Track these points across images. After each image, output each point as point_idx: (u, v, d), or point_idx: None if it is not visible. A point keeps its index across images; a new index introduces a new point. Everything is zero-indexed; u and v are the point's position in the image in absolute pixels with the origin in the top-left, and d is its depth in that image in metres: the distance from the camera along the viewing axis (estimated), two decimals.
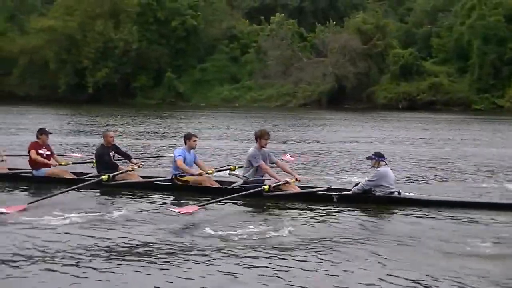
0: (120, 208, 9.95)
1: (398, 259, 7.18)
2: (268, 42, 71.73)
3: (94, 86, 71.56)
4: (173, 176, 11.37)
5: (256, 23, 78.96)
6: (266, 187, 10.39)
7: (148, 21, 73.90)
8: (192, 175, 11.27)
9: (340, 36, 67.50)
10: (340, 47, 65.99)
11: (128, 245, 7.79)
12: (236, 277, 6.53)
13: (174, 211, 9.18)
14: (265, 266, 6.86)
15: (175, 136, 27.53)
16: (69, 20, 72.37)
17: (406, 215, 9.61)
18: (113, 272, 6.65)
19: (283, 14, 75.65)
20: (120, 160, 12.47)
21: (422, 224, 9.01)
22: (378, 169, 10.23)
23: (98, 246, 7.66)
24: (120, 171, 11.66)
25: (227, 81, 74.06)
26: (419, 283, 6.42)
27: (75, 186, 10.81)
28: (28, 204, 9.72)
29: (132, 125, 35.35)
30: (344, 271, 6.77)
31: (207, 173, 11.43)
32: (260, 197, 10.41)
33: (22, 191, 11.57)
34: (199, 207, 9.41)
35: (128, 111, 53.02)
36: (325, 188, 10.75)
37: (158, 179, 11.87)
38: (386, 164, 10.41)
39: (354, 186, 10.40)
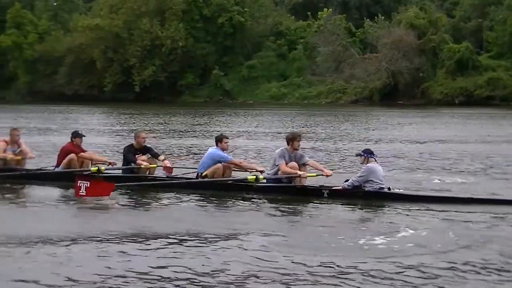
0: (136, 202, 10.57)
1: (382, 252, 7.25)
2: (318, 38, 70.79)
3: (141, 84, 71.45)
4: (199, 174, 11.58)
5: (301, 19, 77.95)
6: (253, 177, 10.70)
7: (194, 18, 73.71)
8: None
9: (393, 31, 66.28)
10: (394, 42, 64.73)
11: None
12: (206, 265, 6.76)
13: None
14: (248, 262, 6.95)
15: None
16: (115, 18, 71.93)
17: (394, 209, 9.81)
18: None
19: (330, 9, 74.64)
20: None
21: (409, 218, 9.12)
22: (367, 165, 10.48)
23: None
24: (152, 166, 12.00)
25: (275, 78, 73.41)
26: (406, 277, 6.42)
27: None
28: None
29: (178, 124, 34.93)
30: (328, 264, 6.82)
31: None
32: (251, 190, 10.82)
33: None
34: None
35: (175, 110, 52.88)
36: (317, 185, 10.97)
37: (183, 176, 12.14)
38: (376, 160, 10.65)
39: (344, 182, 10.60)
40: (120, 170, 12.23)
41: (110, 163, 12.32)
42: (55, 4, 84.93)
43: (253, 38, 75.55)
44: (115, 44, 72.42)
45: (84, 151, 12.47)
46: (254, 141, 23.36)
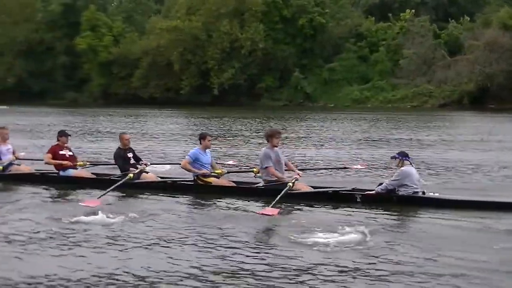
0: (141, 207, 10.28)
1: (422, 261, 7.04)
2: (403, 39, 69.12)
3: (219, 87, 70.71)
4: (195, 177, 11.49)
5: (378, 21, 76.38)
6: (291, 183, 10.49)
7: (274, 19, 73.07)
8: (204, 175, 11.47)
9: (485, 32, 64.17)
10: (488, 44, 62.65)
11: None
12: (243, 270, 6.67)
13: (258, 213, 9.49)
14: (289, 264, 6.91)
15: (303, 140, 25.41)
16: (193, 20, 71.55)
17: (430, 215, 9.51)
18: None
19: (413, 10, 72.94)
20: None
21: (446, 225, 8.84)
22: (402, 168, 10.28)
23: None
24: (139, 170, 11.96)
25: (356, 81, 72.15)
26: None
27: (115, 185, 11.10)
28: (98, 198, 10.43)
29: (256, 128, 33.42)
30: (366, 271, 6.70)
31: (215, 172, 11.61)
32: (283, 196, 10.38)
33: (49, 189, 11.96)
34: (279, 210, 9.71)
35: (253, 113, 51.96)
36: (349, 188, 10.83)
37: (180, 179, 12.11)
38: (411, 163, 10.45)
39: (377, 186, 10.45)
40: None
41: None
42: (129, 6, 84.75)
43: (333, 40, 74.23)
44: (193, 46, 72.12)
45: (70, 150, 12.82)
46: (336, 149, 21.58)
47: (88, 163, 13.17)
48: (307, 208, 10.21)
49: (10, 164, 12.96)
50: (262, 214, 9.33)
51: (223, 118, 43.30)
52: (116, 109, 61.24)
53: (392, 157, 10.80)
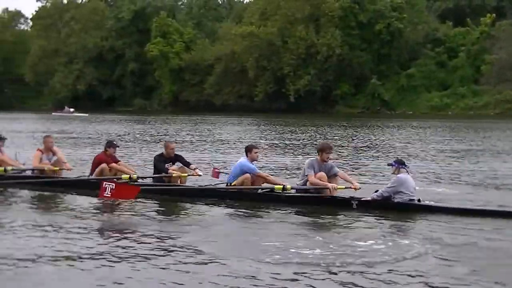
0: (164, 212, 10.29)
1: (412, 266, 6.95)
2: (486, 44, 67.51)
3: (295, 94, 70.07)
4: (228, 184, 11.48)
5: (453, 25, 74.87)
6: (280, 186, 10.66)
7: (350, 25, 72.44)
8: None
9: None
10: None
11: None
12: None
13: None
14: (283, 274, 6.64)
15: (380, 149, 23.50)
16: (268, 25, 71.18)
17: (425, 222, 9.46)
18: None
19: (494, 15, 71.25)
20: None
21: (441, 232, 8.72)
22: (398, 175, 10.31)
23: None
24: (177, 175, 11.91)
25: (435, 88, 70.92)
26: None
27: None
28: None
29: (331, 136, 31.65)
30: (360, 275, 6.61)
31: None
32: (279, 200, 10.69)
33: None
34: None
35: (329, 121, 50.83)
36: (346, 195, 10.77)
37: (211, 185, 12.03)
38: (407, 171, 10.46)
39: (373, 193, 10.39)
40: (151, 179, 12.23)
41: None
42: (199, 12, 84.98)
43: (410, 46, 72.90)
44: (268, 52, 71.75)
45: (117, 161, 12.54)
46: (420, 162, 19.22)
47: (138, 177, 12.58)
48: (301, 213, 10.06)
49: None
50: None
51: (299, 126, 42.01)
52: (187, 116, 61.23)
53: (389, 164, 10.89)
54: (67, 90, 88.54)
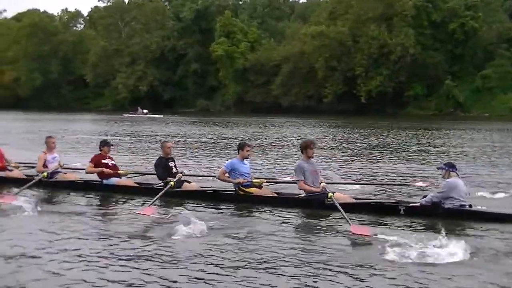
0: (178, 216, 9.88)
1: (468, 278, 6.66)
2: None
3: (366, 95, 68.56)
4: (236, 188, 11.44)
5: None
6: (331, 194, 10.23)
7: (423, 24, 70.68)
8: (240, 183, 11.38)
9: None
10: None
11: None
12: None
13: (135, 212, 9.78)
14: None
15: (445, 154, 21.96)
16: (338, 25, 69.91)
17: (476, 230, 9.08)
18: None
19: None
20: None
21: (495, 240, 8.35)
22: (448, 180, 9.97)
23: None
24: (178, 178, 11.71)
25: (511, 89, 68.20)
26: None
27: (161, 194, 10.97)
28: (149, 205, 10.26)
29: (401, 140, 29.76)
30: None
31: (254, 182, 11.47)
32: (322, 207, 10.31)
33: (92, 197, 11.98)
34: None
35: (400, 123, 49.08)
36: (394, 200, 10.68)
37: (221, 189, 11.91)
38: (458, 175, 10.13)
39: (422, 198, 10.17)
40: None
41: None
42: (263, 11, 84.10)
43: (484, 46, 70.78)
44: (338, 52, 70.40)
45: (111, 159, 12.81)
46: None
47: (129, 172, 13.25)
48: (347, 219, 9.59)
49: (56, 172, 13.01)
50: (139, 213, 9.64)
51: (372, 129, 40.57)
52: (252, 117, 60.39)
53: (439, 168, 10.59)
54: (129, 91, 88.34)
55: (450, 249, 7.57)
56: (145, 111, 63.68)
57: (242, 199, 11.22)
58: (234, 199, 11.29)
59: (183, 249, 7.79)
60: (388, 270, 6.93)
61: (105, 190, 12.39)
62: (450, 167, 10.14)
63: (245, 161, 11.59)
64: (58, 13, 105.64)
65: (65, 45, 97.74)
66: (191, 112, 78.41)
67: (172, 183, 11.40)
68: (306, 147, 10.85)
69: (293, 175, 11.33)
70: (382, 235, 8.59)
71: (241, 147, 11.68)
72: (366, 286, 6.46)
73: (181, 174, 11.87)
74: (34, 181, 12.46)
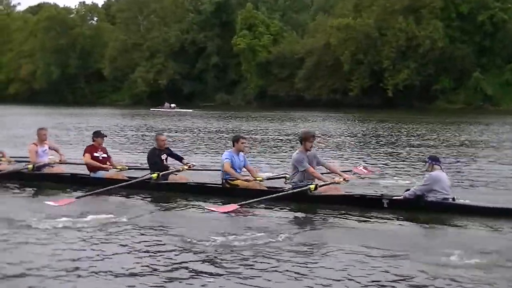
0: (164, 209, 10.24)
1: (448, 271, 6.65)
2: None
3: (394, 89, 67.39)
4: (224, 180, 11.37)
5: None
6: (312, 186, 10.27)
7: (450, 16, 69.36)
8: (239, 179, 11.33)
9: None
10: None
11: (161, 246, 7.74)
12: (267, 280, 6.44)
13: (212, 210, 9.65)
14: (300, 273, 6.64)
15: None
16: (364, 17, 68.76)
17: (460, 223, 9.08)
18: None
19: None
20: (174, 163, 12.40)
21: (477, 234, 8.43)
22: (431, 173, 9.96)
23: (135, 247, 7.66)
24: (170, 171, 11.85)
25: None
26: None
27: (125, 183, 11.38)
28: (76, 198, 10.51)
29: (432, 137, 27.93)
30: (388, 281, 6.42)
31: (256, 179, 11.36)
32: (306, 200, 10.28)
33: (78, 191, 11.72)
34: (239, 206, 9.76)
35: (428, 117, 47.79)
36: (378, 194, 10.57)
37: (208, 182, 11.94)
38: (441, 168, 10.12)
39: (405, 191, 10.08)
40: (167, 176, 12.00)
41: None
42: (285, 3, 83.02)
43: None
44: (365, 45, 69.19)
45: (105, 151, 12.67)
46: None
47: (127, 166, 13.02)
48: (331, 212, 9.81)
49: (45, 165, 12.88)
50: (221, 211, 9.56)
51: (403, 123, 39.17)
52: (276, 111, 59.39)
53: (423, 161, 10.85)
54: (148, 85, 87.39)
55: (431, 242, 7.70)
56: (172, 105, 62.62)
57: (228, 192, 11.11)
58: (220, 192, 11.25)
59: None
60: (369, 263, 6.92)
61: (92, 183, 12.04)
62: (434, 160, 10.16)
63: (240, 154, 11.45)
64: (75, 6, 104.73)
65: (83, 38, 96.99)
66: (212, 106, 77.42)
67: (154, 175, 11.44)
68: (305, 139, 10.70)
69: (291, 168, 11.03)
70: (366, 228, 8.75)
71: (236, 139, 11.56)
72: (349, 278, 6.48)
73: (173, 168, 11.90)
74: (11, 170, 12.66)
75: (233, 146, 11.53)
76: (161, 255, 7.27)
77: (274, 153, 20.28)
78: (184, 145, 22.61)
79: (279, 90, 77.50)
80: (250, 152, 17.89)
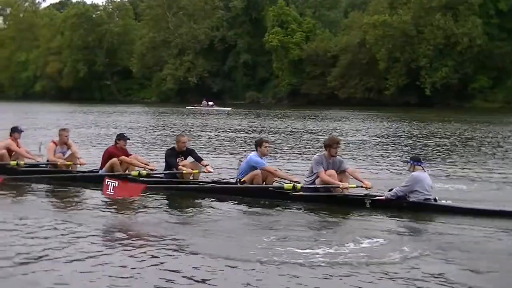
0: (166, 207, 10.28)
1: (428, 270, 6.69)
2: None
3: (431, 87, 66.08)
4: (237, 180, 11.33)
5: None
6: (290, 185, 10.42)
7: (489, 13, 67.99)
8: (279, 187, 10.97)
9: None
10: None
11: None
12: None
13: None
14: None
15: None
16: (401, 14, 67.56)
17: (439, 223, 9.13)
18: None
19: None
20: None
21: (454, 234, 8.45)
22: (412, 173, 10.06)
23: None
24: (179, 171, 11.79)
25: None
26: None
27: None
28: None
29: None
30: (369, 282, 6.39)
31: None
32: (287, 198, 10.41)
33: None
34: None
35: (466, 117, 46.23)
36: (360, 193, 10.54)
37: (221, 181, 11.98)
38: (423, 169, 10.23)
39: (388, 191, 10.18)
40: (162, 175, 12.14)
41: (151, 169, 12.30)
42: (317, 0, 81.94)
43: None
44: (402, 43, 67.87)
45: (128, 154, 12.49)
46: None
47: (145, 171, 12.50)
48: (313, 212, 9.84)
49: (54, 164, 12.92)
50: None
51: (442, 123, 38.06)
52: (312, 110, 58.25)
53: (404, 161, 11.00)
54: (177, 82, 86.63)
55: (410, 244, 7.61)
56: (210, 103, 61.58)
57: (240, 192, 11.10)
58: (233, 192, 11.20)
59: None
60: (349, 264, 6.82)
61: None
62: (415, 161, 10.22)
63: (263, 159, 11.38)
64: (102, 2, 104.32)
65: (110, 35, 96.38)
66: (241, 105, 76.54)
67: (134, 172, 11.77)
68: (330, 146, 10.72)
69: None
70: (349, 228, 8.81)
71: (259, 143, 11.43)
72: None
73: (183, 169, 11.72)
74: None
75: (256, 150, 11.39)
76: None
77: None
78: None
79: (312, 88, 76.52)
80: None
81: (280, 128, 32.29)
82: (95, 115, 45.83)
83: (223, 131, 29.66)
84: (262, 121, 40.33)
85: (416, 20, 68.77)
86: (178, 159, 11.94)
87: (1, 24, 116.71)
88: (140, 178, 11.60)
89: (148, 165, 12.43)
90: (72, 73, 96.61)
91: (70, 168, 12.88)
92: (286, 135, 27.54)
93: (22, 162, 12.81)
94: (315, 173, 10.60)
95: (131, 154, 12.60)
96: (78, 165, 12.98)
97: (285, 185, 10.63)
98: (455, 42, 66.85)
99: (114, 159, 12.17)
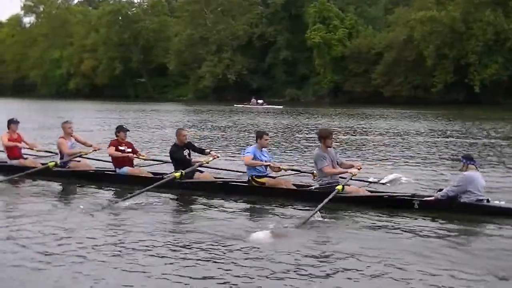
0: (186, 209, 10.44)
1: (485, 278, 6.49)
2: None
3: (481, 85, 64.69)
4: (250, 178, 11.37)
5: None
6: (340, 187, 10.12)
7: None
8: (273, 167, 11.59)
9: None
10: None
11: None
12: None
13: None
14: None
15: None
16: (449, 9, 66.18)
17: (495, 226, 8.75)
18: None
19: None
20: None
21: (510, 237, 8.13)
22: (464, 173, 9.61)
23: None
24: (193, 167, 11.81)
25: None
26: None
27: (150, 187, 10.97)
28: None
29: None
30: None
31: (280, 168, 11.67)
32: (333, 200, 9.83)
33: (105, 189, 12.00)
34: None
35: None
36: (408, 194, 10.33)
37: (234, 180, 12.02)
38: (476, 168, 9.75)
39: (437, 192, 9.91)
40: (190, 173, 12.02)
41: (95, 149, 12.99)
42: None
43: None
44: (450, 39, 66.48)
45: (132, 146, 12.84)
46: None
47: (149, 159, 13.52)
48: (359, 213, 9.67)
49: (69, 161, 12.99)
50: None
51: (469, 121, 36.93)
52: (359, 108, 57.12)
53: (456, 160, 10.89)
54: (215, 80, 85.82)
55: (463, 247, 7.49)
56: (260, 101, 60.76)
57: (255, 191, 11.15)
58: (246, 190, 11.22)
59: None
60: (398, 267, 6.79)
61: (116, 181, 12.41)
62: (468, 160, 9.81)
63: (263, 151, 11.55)
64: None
65: (146, 32, 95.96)
66: (281, 102, 75.60)
67: (176, 174, 11.39)
68: (325, 137, 10.68)
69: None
70: (397, 230, 8.55)
71: (259, 135, 11.57)
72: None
73: (197, 164, 11.91)
74: (36, 169, 12.65)
75: (256, 141, 11.55)
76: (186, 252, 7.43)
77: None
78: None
79: (355, 86, 75.44)
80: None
81: (365, 127, 31.29)
82: (145, 114, 45.33)
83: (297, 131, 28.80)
84: (331, 119, 39.42)
85: (465, 15, 67.37)
86: (184, 152, 12.13)
87: (33, 21, 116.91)
88: (177, 180, 11.54)
89: (142, 155, 13.03)
90: (108, 71, 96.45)
91: (88, 154, 13.16)
92: (390, 137, 26.26)
93: (52, 164, 12.70)
94: (319, 168, 10.60)
95: (132, 144, 13.01)
96: (94, 151, 13.23)
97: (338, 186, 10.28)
98: (505, 38, 65.51)
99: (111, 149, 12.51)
